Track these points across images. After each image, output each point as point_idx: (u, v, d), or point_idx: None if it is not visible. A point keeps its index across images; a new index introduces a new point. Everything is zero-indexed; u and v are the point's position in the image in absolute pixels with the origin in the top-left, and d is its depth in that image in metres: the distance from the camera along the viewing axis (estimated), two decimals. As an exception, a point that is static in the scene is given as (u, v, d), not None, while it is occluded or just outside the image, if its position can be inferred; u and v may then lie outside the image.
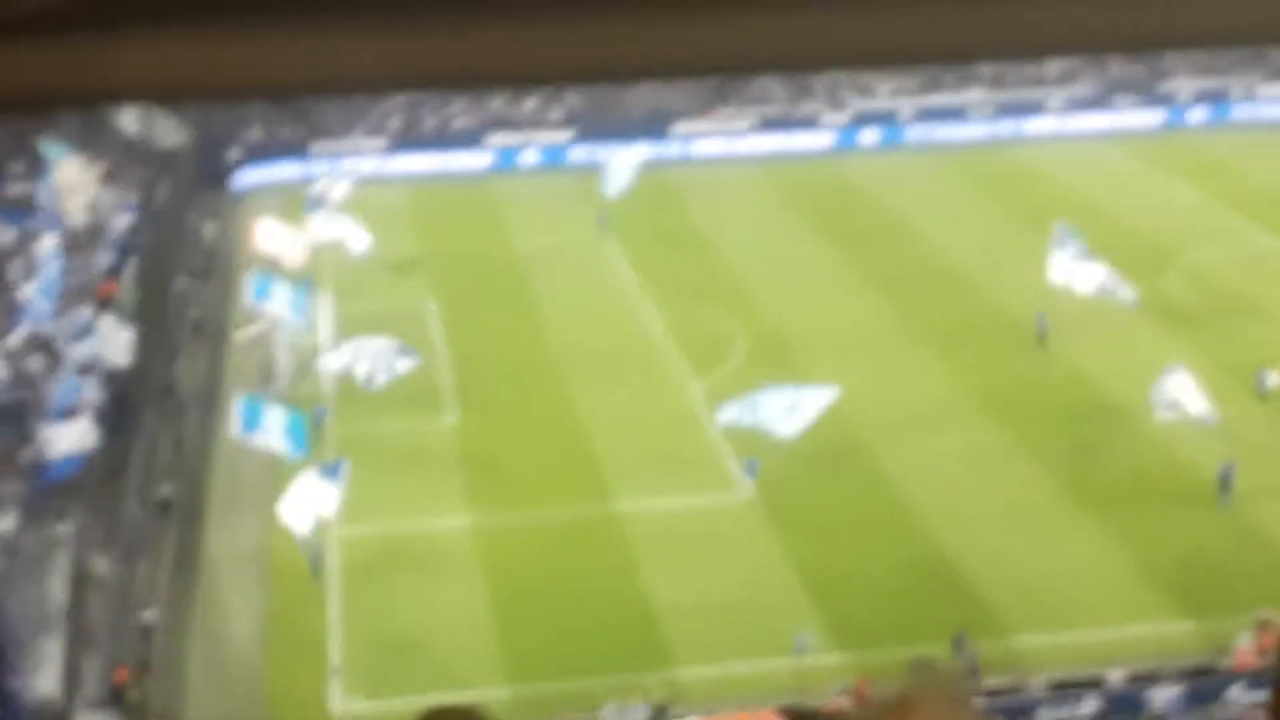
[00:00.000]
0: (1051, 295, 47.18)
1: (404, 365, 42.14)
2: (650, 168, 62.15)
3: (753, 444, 38.65)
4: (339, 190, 58.58)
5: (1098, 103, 75.28)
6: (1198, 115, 74.68)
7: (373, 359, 41.72)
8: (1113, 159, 69.52)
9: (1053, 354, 47.09)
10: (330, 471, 35.53)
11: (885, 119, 74.36)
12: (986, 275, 54.09)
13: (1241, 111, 74.97)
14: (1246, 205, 60.97)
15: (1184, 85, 76.06)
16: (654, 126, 71.14)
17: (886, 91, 75.74)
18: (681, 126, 72.56)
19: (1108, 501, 38.41)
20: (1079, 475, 39.77)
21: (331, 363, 43.37)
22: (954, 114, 74.56)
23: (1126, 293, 45.41)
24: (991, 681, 31.79)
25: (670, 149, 70.70)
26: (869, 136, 73.16)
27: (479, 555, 37.02)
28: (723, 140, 72.07)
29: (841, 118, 74.53)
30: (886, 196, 64.73)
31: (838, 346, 48.53)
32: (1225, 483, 37.98)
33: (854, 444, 41.41)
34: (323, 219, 54.84)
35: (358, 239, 53.39)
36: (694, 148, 71.49)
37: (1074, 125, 74.21)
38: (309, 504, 34.67)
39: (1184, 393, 38.00)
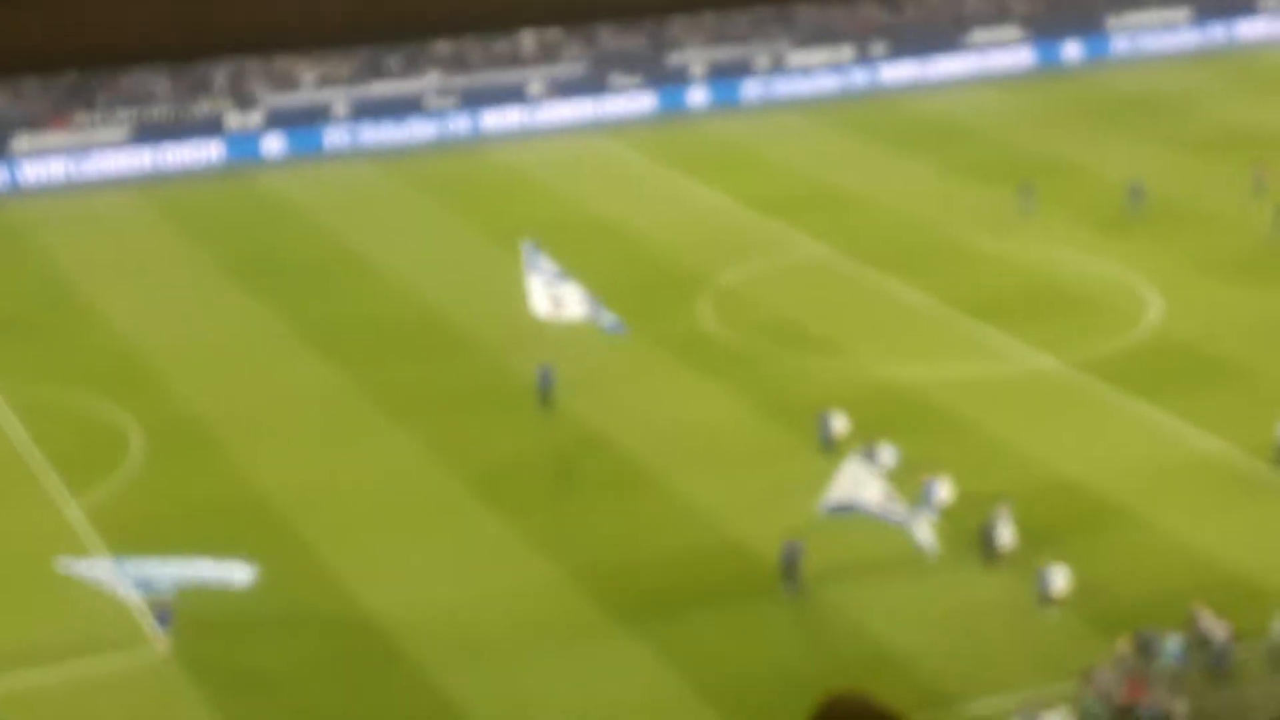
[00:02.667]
0: (556, 342, 48.39)
1: None
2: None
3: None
4: None
5: (590, 83, 78.27)
6: (710, 95, 78.97)
7: None
8: (615, 155, 72.33)
9: (561, 413, 48.20)
10: None
11: (311, 117, 74.61)
12: (468, 320, 54.82)
13: (760, 88, 79.91)
14: (783, 204, 64.79)
15: (695, 58, 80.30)
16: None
17: (312, 81, 75.99)
18: (24, 142, 70.28)
19: (645, 607, 39.48)
20: (610, 577, 40.75)
21: None
22: (406, 106, 75.71)
23: (607, 318, 47.22)
24: None
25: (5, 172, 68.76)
26: (275, 144, 73.36)
27: None
28: (85, 159, 70.31)
29: (250, 119, 74.16)
30: (317, 222, 64.78)
31: (272, 427, 48.15)
32: (790, 567, 39.89)
33: (316, 568, 41.17)
34: None
35: None
36: (37, 170, 69.57)
37: (559, 114, 76.83)
38: None
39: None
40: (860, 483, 39.31)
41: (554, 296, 47.19)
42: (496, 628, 38.90)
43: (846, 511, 39.19)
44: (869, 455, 42.91)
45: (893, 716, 3.18)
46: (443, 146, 74.22)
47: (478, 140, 75.01)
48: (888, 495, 39.35)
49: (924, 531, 39.01)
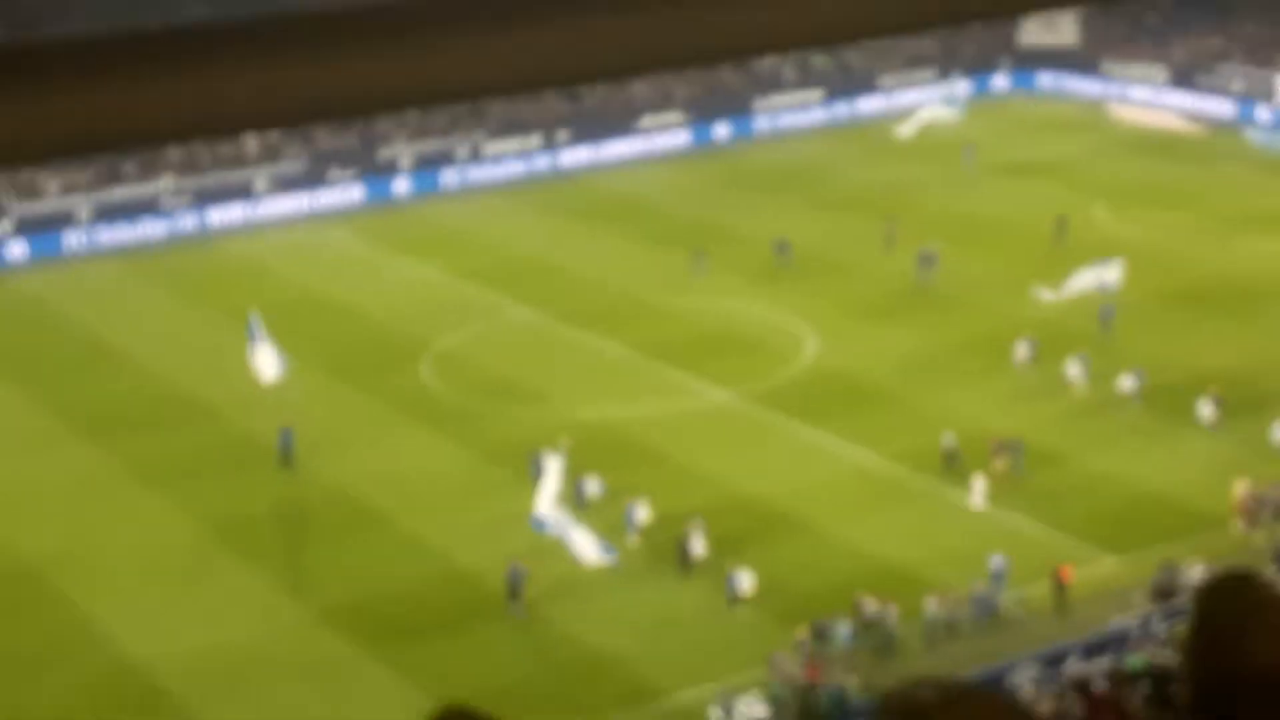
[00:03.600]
0: (295, 406, 47.83)
1: None
2: None
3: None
4: None
5: (310, 178, 77.61)
6: (416, 183, 78.92)
7: None
8: (335, 241, 71.78)
9: (301, 471, 47.65)
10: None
11: (56, 222, 72.74)
12: (215, 395, 53.84)
13: (461, 175, 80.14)
14: (490, 276, 65.00)
15: (403, 151, 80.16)
16: None
17: (56, 189, 74.02)
18: None
19: (387, 635, 39.17)
20: (351, 610, 40.32)
21: None
22: (143, 208, 74.19)
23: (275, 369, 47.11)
24: None
25: None
26: (19, 249, 71.39)
27: None
28: None
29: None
30: (76, 316, 63.12)
31: (34, 499, 46.76)
32: (514, 589, 39.86)
33: (79, 623, 39.95)
34: None
35: None
36: None
37: (284, 207, 76.00)
38: None
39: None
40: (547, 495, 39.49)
41: (267, 361, 46.80)
42: (252, 666, 38.21)
43: (556, 527, 39.34)
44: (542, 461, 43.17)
45: None
46: (176, 242, 72.85)
47: (209, 235, 73.80)
48: (567, 519, 39.61)
49: (582, 543, 39.19)
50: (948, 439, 45.74)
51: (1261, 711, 3.56)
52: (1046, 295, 52.95)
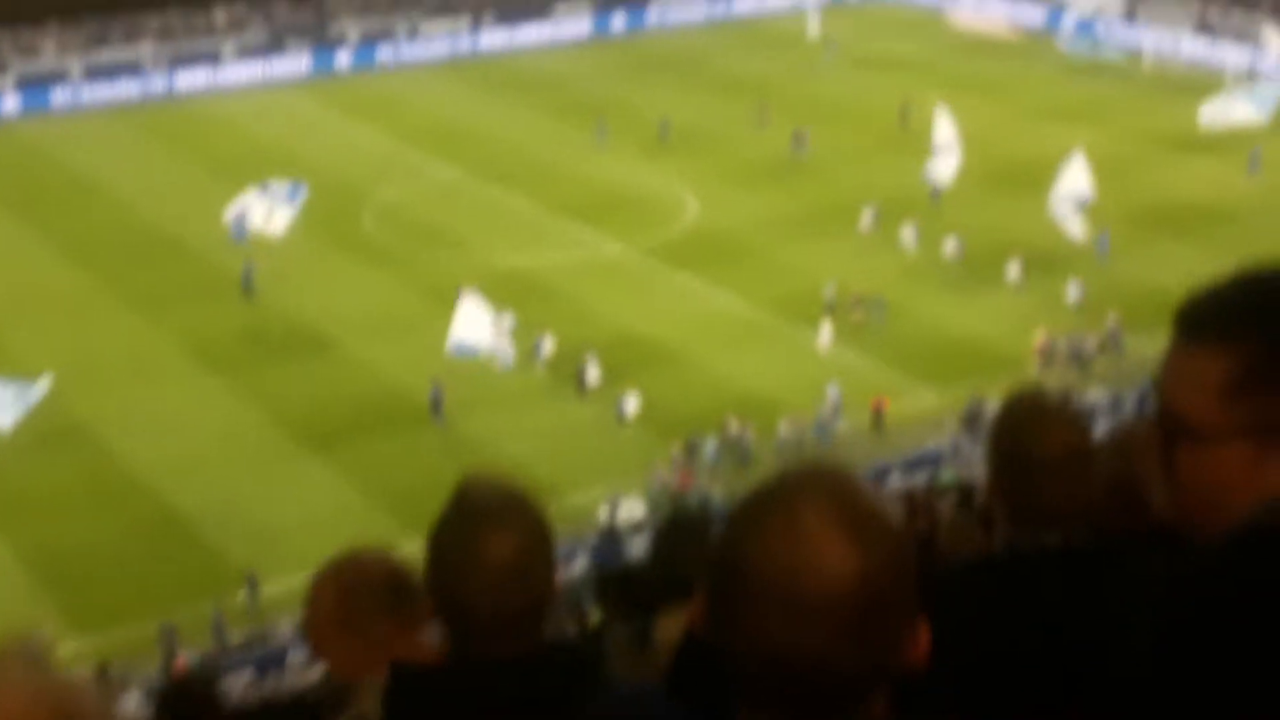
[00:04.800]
0: (255, 243, 47.27)
1: None
2: None
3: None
4: None
5: (269, 48, 75.71)
6: (361, 56, 77.11)
7: None
8: (290, 104, 70.32)
9: (261, 301, 47.21)
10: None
11: (50, 80, 70.54)
12: (186, 232, 53.02)
13: (399, 51, 78.45)
14: (422, 139, 64.08)
15: (351, 27, 78.32)
16: None
17: (52, 49, 71.69)
18: None
19: (330, 438, 39.23)
20: (301, 416, 40.29)
21: None
22: (126, 69, 72.14)
23: (290, 192, 46.17)
24: (241, 633, 31.66)
25: None
26: (13, 103, 69.11)
27: None
28: None
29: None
30: (68, 161, 61.59)
31: (38, 321, 45.98)
32: (436, 404, 39.96)
33: (74, 421, 39.55)
34: None
35: None
36: None
37: (246, 73, 74.10)
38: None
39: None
40: (475, 323, 39.31)
41: (267, 215, 45.93)
42: (218, 458, 38.18)
43: (469, 353, 39.26)
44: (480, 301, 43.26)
45: (519, 491, 3.16)
46: (152, 101, 70.99)
47: (181, 95, 71.96)
48: (496, 333, 39.65)
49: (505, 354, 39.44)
50: (829, 290, 45.79)
51: (1047, 483, 3.66)
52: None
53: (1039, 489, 3.67)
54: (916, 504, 10.81)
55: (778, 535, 2.23)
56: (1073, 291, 46.17)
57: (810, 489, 2.29)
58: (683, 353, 43.84)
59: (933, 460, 36.17)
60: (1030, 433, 3.72)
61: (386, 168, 60.42)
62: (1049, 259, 48.54)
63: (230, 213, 46.62)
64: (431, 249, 51.66)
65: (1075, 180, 47.35)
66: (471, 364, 39.98)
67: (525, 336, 42.81)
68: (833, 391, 39.94)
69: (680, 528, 5.85)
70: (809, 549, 2.19)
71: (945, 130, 52.01)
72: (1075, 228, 47.27)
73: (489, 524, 3.18)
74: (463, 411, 40.20)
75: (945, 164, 51.95)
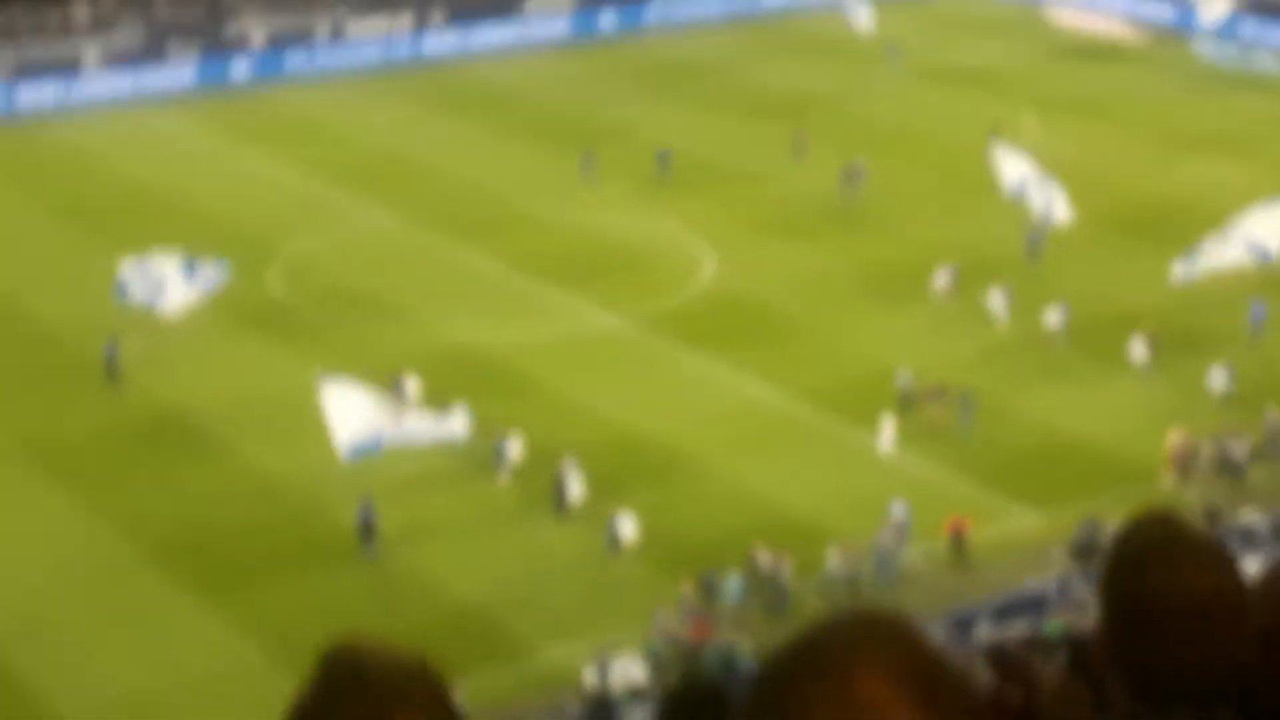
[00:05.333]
0: (124, 317, 47.43)
1: None
2: None
3: None
4: None
5: (145, 54, 76.38)
6: (267, 65, 77.85)
7: None
8: (171, 127, 70.84)
9: (129, 389, 47.25)
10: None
11: None
12: (30, 300, 53.23)
13: (314, 58, 79.19)
14: (346, 174, 64.49)
15: (254, 26, 79.12)
16: None
17: None
18: None
19: (220, 575, 39.00)
20: (181, 544, 40.11)
21: None
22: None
23: (207, 274, 47.15)
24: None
25: None
26: None
27: None
28: None
29: None
30: None
31: None
32: (366, 529, 39.85)
33: None
34: None
35: None
36: None
37: (115, 86, 74.71)
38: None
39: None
40: (354, 410, 39.17)
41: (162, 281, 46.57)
42: (68, 610, 37.95)
43: (372, 449, 39.09)
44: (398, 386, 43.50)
45: (402, 659, 3.16)
46: (-5, 121, 71.65)
47: (25, 116, 72.54)
48: (400, 414, 39.56)
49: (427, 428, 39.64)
50: (903, 377, 45.85)
51: (1179, 641, 3.60)
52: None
53: (1168, 648, 3.60)
54: (1010, 664, 10.79)
55: (824, 707, 2.25)
56: (1218, 378, 46.19)
57: (866, 645, 2.32)
58: (695, 459, 43.81)
59: (1033, 605, 36.07)
60: (1158, 571, 3.63)
61: (299, 212, 60.73)
62: (1186, 336, 48.64)
63: (125, 270, 47.17)
64: (358, 319, 51.81)
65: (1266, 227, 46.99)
66: (415, 475, 39.88)
67: (483, 437, 42.77)
68: (898, 510, 39.90)
69: (694, 698, 5.73)
70: None
71: (1016, 162, 52.81)
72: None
73: (378, 709, 3.08)
74: (401, 538, 40.09)
75: (1046, 197, 52.29)
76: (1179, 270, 47.43)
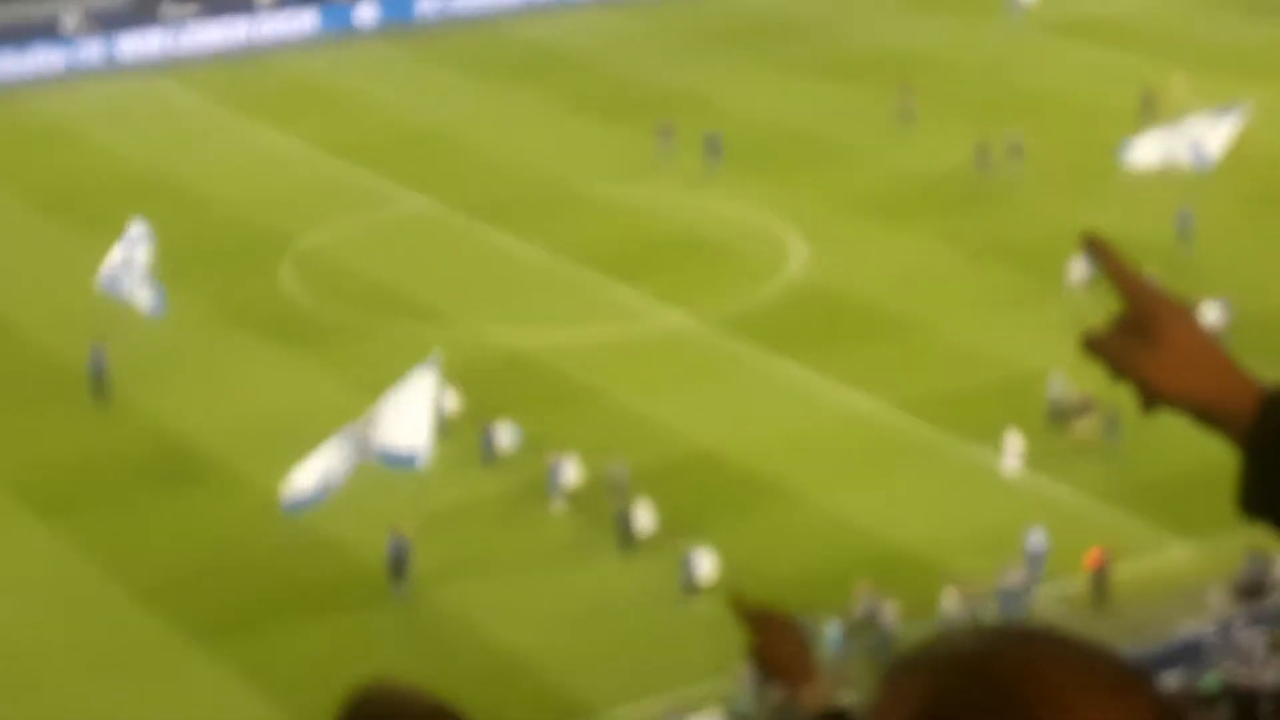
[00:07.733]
0: (111, 318, 47.75)
1: None
2: None
3: None
4: None
5: (135, 15, 76.85)
6: (286, 23, 78.46)
7: None
8: (169, 98, 71.29)
9: (118, 405, 47.51)
10: None
11: None
12: (11, 300, 53.66)
13: (334, 15, 79.64)
14: (372, 152, 64.62)
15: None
16: None
17: None
18: None
19: (225, 619, 39.17)
20: (178, 582, 40.32)
21: None
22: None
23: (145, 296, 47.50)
24: None
25: None
26: None
27: None
28: None
29: None
30: None
31: None
32: (397, 565, 39.93)
33: None
34: None
35: None
36: None
37: (102, 52, 75.36)
38: None
39: None
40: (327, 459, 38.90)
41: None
42: (55, 654, 38.21)
43: (317, 499, 38.60)
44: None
45: (435, 706, 3.31)
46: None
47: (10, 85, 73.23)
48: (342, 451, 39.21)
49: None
50: (1056, 384, 45.65)
51: None
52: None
53: None
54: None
55: None
56: None
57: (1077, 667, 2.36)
58: (783, 482, 43.71)
59: (1188, 653, 35.80)
60: None
61: (316, 196, 60.92)
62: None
63: (113, 258, 47.59)
64: (383, 319, 51.89)
65: None
66: (454, 504, 39.86)
67: (533, 460, 42.74)
68: (1033, 541, 39.73)
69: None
70: None
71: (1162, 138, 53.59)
72: None
73: None
74: (438, 576, 40.11)
75: (1198, 134, 52.65)
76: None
